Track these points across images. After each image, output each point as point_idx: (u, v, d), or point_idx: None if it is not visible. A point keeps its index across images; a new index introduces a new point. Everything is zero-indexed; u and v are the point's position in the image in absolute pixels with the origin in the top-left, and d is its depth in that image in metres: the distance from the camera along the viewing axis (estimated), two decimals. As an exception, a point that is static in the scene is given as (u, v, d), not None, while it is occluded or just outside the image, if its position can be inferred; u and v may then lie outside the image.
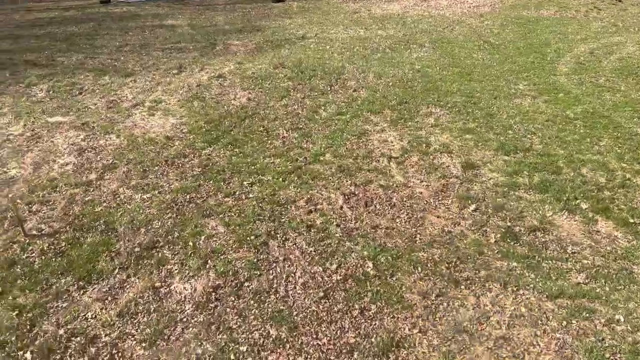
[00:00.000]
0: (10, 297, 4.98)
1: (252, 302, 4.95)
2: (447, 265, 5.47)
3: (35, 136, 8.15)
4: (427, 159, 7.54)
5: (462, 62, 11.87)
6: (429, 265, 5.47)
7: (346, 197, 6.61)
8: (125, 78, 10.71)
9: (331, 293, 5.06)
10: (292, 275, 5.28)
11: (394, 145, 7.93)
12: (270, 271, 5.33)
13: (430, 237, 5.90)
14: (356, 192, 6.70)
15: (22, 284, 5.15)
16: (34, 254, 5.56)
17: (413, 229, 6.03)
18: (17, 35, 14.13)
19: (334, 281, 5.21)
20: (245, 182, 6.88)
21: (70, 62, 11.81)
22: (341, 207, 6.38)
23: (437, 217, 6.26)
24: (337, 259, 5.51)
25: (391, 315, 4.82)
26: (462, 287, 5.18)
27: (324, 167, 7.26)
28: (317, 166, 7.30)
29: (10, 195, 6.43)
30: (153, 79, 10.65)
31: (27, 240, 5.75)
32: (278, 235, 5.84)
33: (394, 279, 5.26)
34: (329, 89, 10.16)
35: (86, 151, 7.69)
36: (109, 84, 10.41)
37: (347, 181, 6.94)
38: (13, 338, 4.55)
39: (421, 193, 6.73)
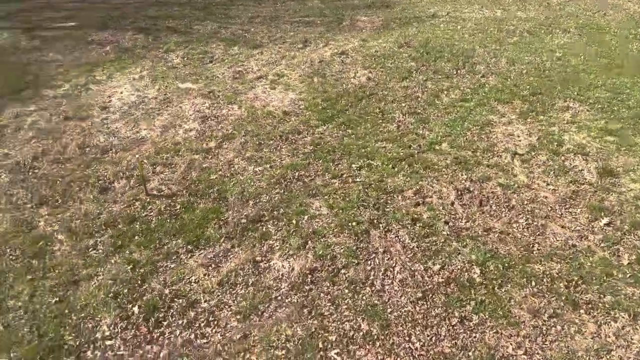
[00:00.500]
0: (127, 252, 5.38)
1: (346, 291, 4.84)
2: (566, 283, 4.88)
3: (167, 100, 8.69)
4: (557, 159, 6.78)
5: (612, 52, 10.48)
6: (544, 280, 4.92)
7: (459, 192, 6.18)
8: (253, 49, 11.02)
9: (430, 295, 4.77)
10: (391, 269, 5.07)
11: (520, 141, 7.24)
12: (369, 262, 5.16)
13: (550, 249, 5.31)
14: (471, 189, 6.24)
15: (138, 240, 5.54)
16: (152, 213, 5.96)
17: (531, 237, 5.47)
18: (163, 2, 15.19)
19: (434, 283, 4.90)
20: (354, 165, 6.73)
21: (205, 30, 12.43)
22: (452, 203, 5.98)
23: (562, 227, 5.61)
24: (441, 259, 5.18)
25: (494, 330, 4.42)
26: (582, 311, 4.60)
27: (438, 157, 6.86)
28: (431, 155, 6.91)
29: (137, 155, 6.95)
30: (279, 52, 10.83)
31: (148, 199, 6.17)
32: (381, 225, 5.64)
33: (503, 290, 4.81)
34: (454, 72, 9.57)
35: (209, 119, 8.05)
36: (237, 54, 10.79)
37: (462, 175, 6.48)
38: (125, 290, 4.92)
39: (546, 198, 6.07)
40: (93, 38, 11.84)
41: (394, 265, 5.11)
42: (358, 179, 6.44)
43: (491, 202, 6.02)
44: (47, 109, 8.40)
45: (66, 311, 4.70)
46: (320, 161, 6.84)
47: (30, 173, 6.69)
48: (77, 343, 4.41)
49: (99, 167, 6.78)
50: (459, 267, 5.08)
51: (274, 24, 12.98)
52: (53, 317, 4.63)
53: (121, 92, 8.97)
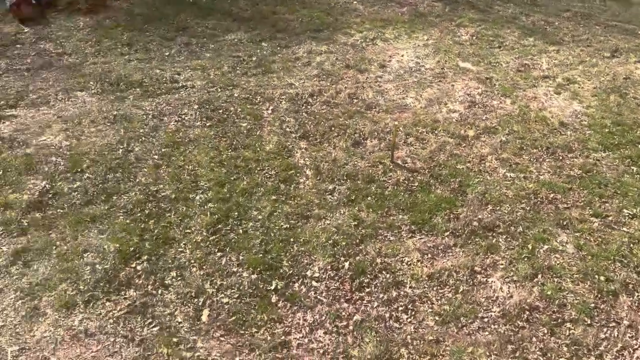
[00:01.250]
0: (357, 209, 5.56)
1: (565, 348, 4.17)
2: None
3: (441, 75, 8.52)
4: None
5: None
6: None
7: None
8: (549, 45, 9.97)
9: (672, 405, 3.80)
10: (630, 350, 4.17)
11: None
12: (605, 329, 4.33)
13: None
14: None
15: (369, 202, 5.67)
16: (390, 181, 6.01)
17: None
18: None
19: (684, 394, 3.88)
20: (626, 211, 5.64)
21: (504, 13, 11.69)
22: None
23: None
24: None
25: None
26: None
27: None
28: None
29: (396, 122, 7.03)
30: (578, 56, 9.56)
31: (391, 166, 6.24)
32: (636, 294, 4.64)
33: None
34: None
35: (476, 106, 7.64)
36: (530, 46, 9.89)
37: None
38: (344, 243, 5.12)
39: None
40: (395, -4, 12.25)
41: (636, 347, 4.19)
42: (625, 229, 5.39)
43: None
44: (335, 53, 9.07)
45: (291, 239, 5.15)
46: (585, 191, 5.92)
47: (303, 107, 7.39)
48: (290, 272, 4.81)
49: (359, 121, 7.09)
50: None
51: (584, 22, 11.46)
52: (280, 240, 5.13)
53: (402, 56, 9.13)
